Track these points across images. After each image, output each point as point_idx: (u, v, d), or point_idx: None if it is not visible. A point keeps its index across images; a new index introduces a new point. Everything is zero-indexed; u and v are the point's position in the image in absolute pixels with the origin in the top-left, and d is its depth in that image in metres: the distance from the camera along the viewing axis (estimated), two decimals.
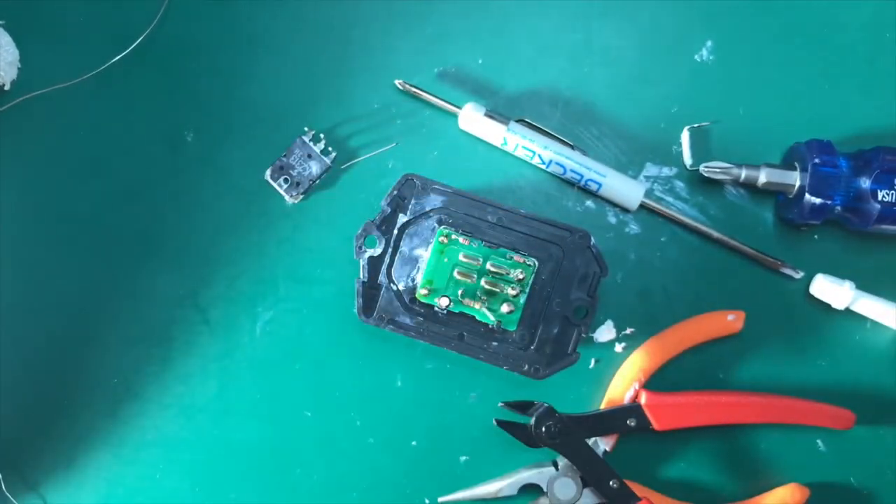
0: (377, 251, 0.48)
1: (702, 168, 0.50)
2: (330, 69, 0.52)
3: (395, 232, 0.48)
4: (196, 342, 0.51)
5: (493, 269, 0.46)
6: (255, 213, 0.52)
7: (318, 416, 0.51)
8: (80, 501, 0.51)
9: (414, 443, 0.51)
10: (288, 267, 0.51)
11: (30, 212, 0.52)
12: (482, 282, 0.46)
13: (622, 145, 0.52)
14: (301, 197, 0.52)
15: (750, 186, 0.51)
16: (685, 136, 0.52)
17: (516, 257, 0.46)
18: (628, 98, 0.52)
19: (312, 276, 0.51)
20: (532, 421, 0.48)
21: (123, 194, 0.52)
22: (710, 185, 0.52)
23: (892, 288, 0.51)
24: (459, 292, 0.46)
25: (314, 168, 0.51)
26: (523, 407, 0.48)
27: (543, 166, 0.51)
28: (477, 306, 0.46)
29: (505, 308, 0.46)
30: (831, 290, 0.50)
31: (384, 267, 0.48)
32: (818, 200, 0.48)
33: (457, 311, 0.47)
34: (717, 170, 0.50)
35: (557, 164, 0.50)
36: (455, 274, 0.46)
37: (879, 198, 0.48)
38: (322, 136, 0.52)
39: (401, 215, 0.48)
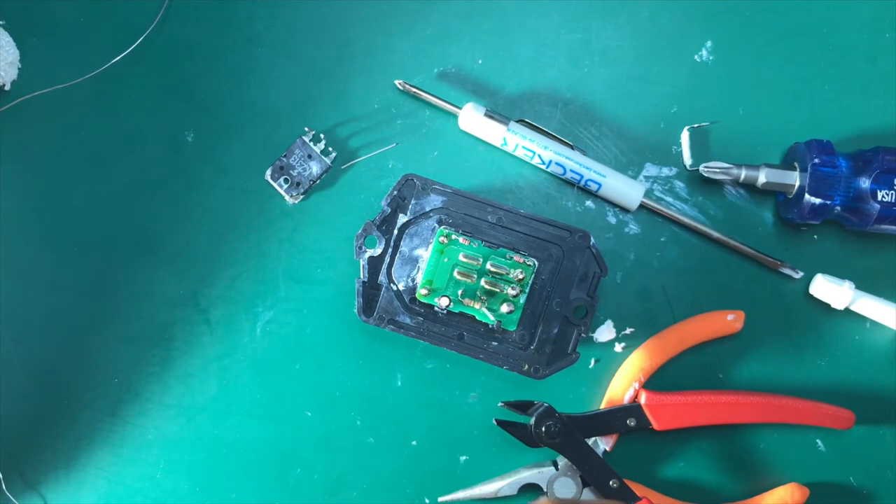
0: (377, 251, 0.48)
1: (701, 168, 0.50)
2: (330, 69, 0.52)
3: (396, 232, 0.48)
4: (196, 342, 0.51)
5: (493, 269, 0.46)
6: (256, 213, 0.52)
7: (318, 416, 0.51)
8: (80, 501, 0.51)
9: (414, 443, 0.51)
10: (288, 267, 0.51)
11: (30, 212, 0.52)
12: (482, 282, 0.46)
13: (622, 145, 0.52)
14: (301, 197, 0.52)
15: (750, 186, 0.51)
16: (685, 137, 0.52)
17: (516, 257, 0.46)
18: (628, 98, 0.52)
19: (312, 276, 0.51)
20: (532, 421, 0.48)
21: (123, 194, 0.52)
22: (710, 186, 0.52)
23: (891, 288, 0.51)
24: (459, 292, 0.46)
25: (314, 168, 0.51)
26: (523, 407, 0.48)
27: (543, 166, 0.51)
28: (477, 306, 0.46)
29: (505, 308, 0.46)
30: (831, 290, 0.50)
31: (384, 267, 0.48)
32: (818, 200, 0.48)
33: (457, 311, 0.47)
34: (717, 170, 0.50)
35: (557, 164, 0.50)
36: (455, 274, 0.46)
37: (879, 198, 0.48)
38: (322, 136, 0.52)
39: (401, 215, 0.48)
